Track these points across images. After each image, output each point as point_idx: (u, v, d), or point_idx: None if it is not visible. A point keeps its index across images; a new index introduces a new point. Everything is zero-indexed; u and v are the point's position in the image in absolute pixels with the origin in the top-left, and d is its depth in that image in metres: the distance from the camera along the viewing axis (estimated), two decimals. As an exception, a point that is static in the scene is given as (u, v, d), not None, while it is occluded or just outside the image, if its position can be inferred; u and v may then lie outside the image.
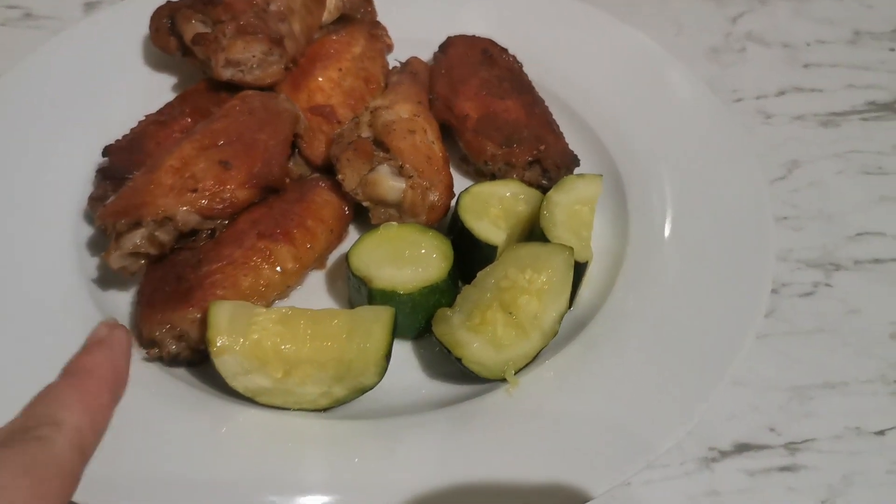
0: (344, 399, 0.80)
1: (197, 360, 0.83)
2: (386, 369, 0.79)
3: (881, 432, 0.86)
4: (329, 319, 0.80)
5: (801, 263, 1.02)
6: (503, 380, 0.81)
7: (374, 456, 0.75)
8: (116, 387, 0.62)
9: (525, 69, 1.12)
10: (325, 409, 0.80)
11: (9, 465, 0.50)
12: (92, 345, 0.64)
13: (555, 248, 0.85)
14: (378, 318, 0.79)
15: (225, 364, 0.77)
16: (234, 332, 0.77)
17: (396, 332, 0.80)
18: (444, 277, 0.85)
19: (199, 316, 0.81)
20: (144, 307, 0.84)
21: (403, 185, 0.91)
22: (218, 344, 0.76)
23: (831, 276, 1.00)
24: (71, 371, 0.60)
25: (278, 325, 0.78)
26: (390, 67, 1.14)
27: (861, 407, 0.88)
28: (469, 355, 0.80)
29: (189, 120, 0.99)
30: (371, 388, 0.79)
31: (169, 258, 0.87)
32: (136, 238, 0.83)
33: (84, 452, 0.56)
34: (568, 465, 0.74)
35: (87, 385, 0.60)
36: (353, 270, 0.85)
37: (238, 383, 0.78)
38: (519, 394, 0.81)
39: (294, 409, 0.79)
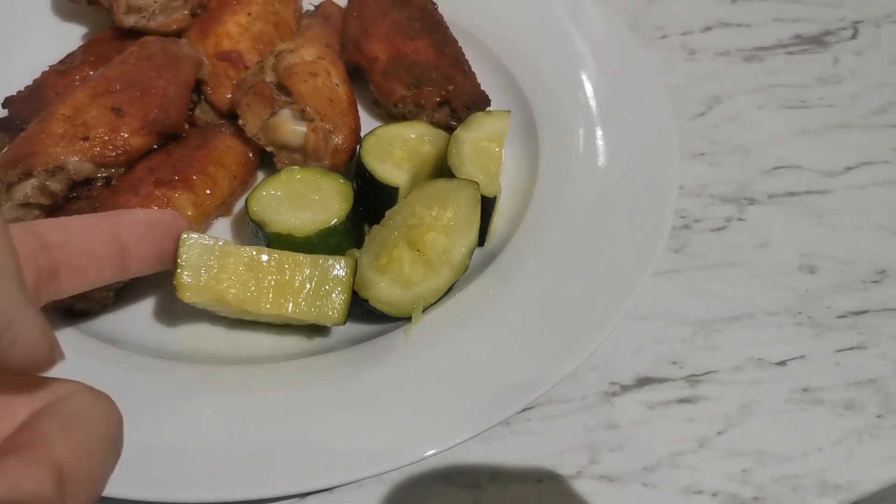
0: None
1: (94, 310, 0.83)
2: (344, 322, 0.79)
3: (783, 362, 0.87)
4: (295, 271, 0.78)
5: (715, 198, 1.01)
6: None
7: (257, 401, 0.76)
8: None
9: (441, 8, 1.10)
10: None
11: None
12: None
13: (460, 184, 0.84)
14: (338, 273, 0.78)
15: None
16: (201, 280, 0.74)
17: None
18: (343, 220, 0.85)
19: (92, 265, 0.80)
20: (39, 257, 0.83)
21: (305, 129, 0.90)
22: (187, 295, 0.73)
23: (745, 210, 1.00)
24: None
25: (248, 271, 0.76)
26: (304, 11, 1.12)
27: (765, 338, 0.89)
28: (376, 295, 0.80)
29: (90, 69, 0.97)
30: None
31: (64, 208, 0.86)
32: (27, 188, 0.82)
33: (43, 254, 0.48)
34: (458, 401, 0.75)
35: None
36: (250, 214, 0.85)
37: (192, 304, 0.76)
38: (418, 332, 0.82)
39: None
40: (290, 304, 0.77)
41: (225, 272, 0.75)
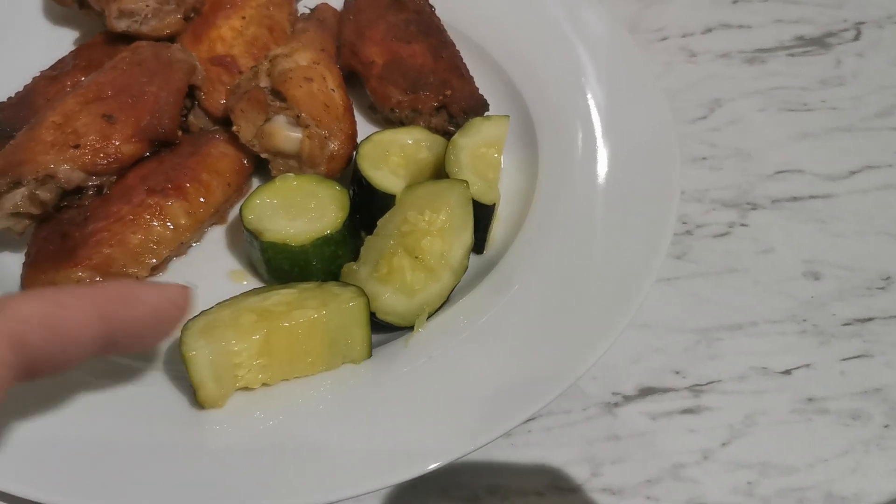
0: None
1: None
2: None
3: (787, 371, 0.86)
4: (307, 333, 0.74)
5: (717, 204, 1.00)
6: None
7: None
8: (107, 307, 0.53)
9: (438, 11, 1.08)
10: None
11: None
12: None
13: (450, 185, 0.83)
14: (353, 320, 0.75)
15: None
16: (222, 387, 0.72)
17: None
18: (339, 228, 0.83)
19: (83, 276, 0.79)
20: (29, 267, 0.82)
21: (300, 135, 0.89)
22: (217, 405, 0.73)
23: (747, 215, 0.99)
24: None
25: (260, 357, 0.73)
26: (299, 14, 1.10)
27: (768, 347, 0.87)
28: (381, 307, 0.79)
29: (82, 75, 0.96)
30: None
31: (56, 217, 0.84)
32: (17, 198, 0.81)
33: (21, 344, 0.48)
34: (458, 414, 0.73)
35: (61, 289, 0.53)
36: (245, 223, 0.83)
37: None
38: (417, 343, 0.80)
39: None
40: (315, 364, 0.76)
41: (240, 369, 0.73)
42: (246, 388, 0.74)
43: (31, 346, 0.49)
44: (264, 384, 0.75)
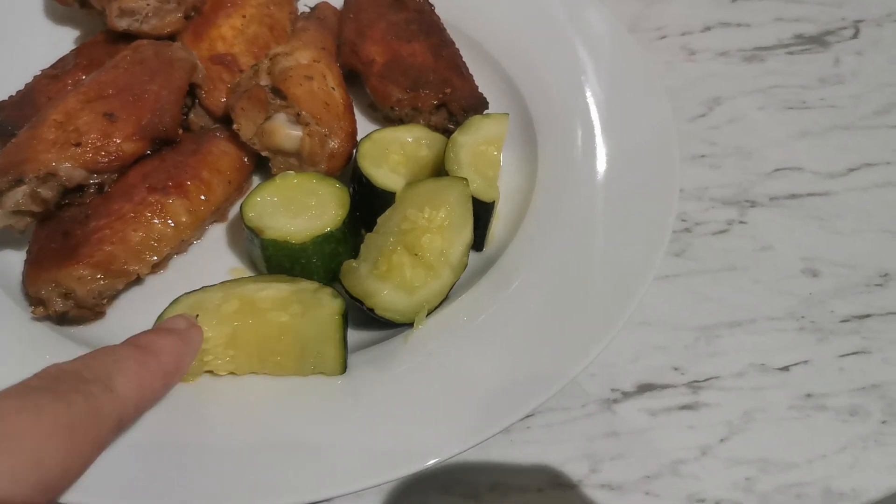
0: None
1: (87, 318, 0.82)
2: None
3: (785, 368, 0.86)
4: (277, 336, 0.75)
5: (717, 201, 1.00)
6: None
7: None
8: (170, 381, 0.63)
9: (438, 10, 1.09)
10: None
11: (49, 416, 0.47)
12: (166, 330, 0.65)
13: (450, 183, 0.83)
14: (326, 335, 0.75)
15: None
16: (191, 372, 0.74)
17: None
18: (339, 225, 0.84)
19: (85, 273, 0.79)
20: (31, 265, 0.82)
21: (300, 133, 0.89)
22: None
23: (746, 213, 0.99)
24: (138, 343, 0.60)
25: (228, 348, 0.74)
26: (299, 13, 1.11)
27: (767, 344, 0.88)
28: (380, 303, 0.79)
29: (83, 74, 0.96)
30: None
31: (58, 215, 0.84)
32: (18, 196, 0.81)
33: (120, 427, 0.54)
34: (457, 410, 0.73)
35: (149, 364, 0.59)
36: (245, 221, 0.83)
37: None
38: (416, 339, 0.80)
39: None
40: (283, 366, 0.76)
41: (206, 354, 0.74)
42: (211, 373, 0.75)
43: (124, 426, 0.56)
44: (231, 373, 0.76)
